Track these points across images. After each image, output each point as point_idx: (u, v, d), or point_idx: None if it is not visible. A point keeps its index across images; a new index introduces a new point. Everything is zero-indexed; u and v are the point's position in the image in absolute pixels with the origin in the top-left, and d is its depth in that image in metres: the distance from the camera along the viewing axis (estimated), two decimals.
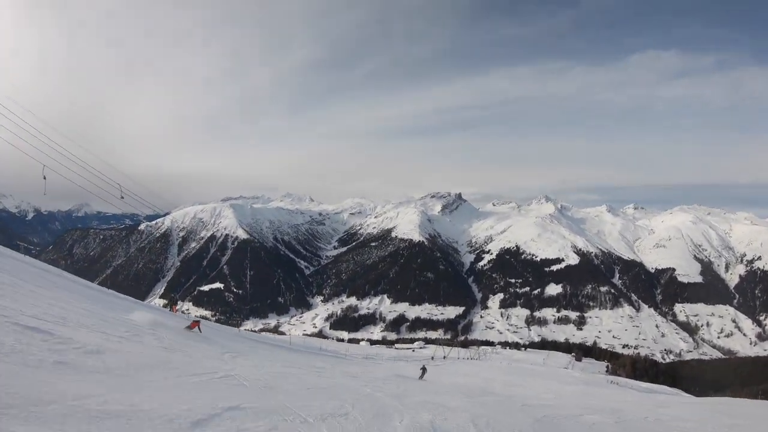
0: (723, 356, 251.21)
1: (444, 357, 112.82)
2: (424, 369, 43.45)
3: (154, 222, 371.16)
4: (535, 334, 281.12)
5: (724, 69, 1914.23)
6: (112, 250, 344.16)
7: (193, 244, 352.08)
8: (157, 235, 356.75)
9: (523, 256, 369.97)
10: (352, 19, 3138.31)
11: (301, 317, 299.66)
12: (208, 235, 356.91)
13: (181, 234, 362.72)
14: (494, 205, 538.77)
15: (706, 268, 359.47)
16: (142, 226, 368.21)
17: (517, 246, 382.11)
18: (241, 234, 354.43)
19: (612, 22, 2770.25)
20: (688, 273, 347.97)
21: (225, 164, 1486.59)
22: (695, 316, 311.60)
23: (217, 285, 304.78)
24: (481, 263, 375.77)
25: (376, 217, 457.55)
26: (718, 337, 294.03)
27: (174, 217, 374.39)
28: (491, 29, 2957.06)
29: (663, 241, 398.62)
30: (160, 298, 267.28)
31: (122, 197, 34.81)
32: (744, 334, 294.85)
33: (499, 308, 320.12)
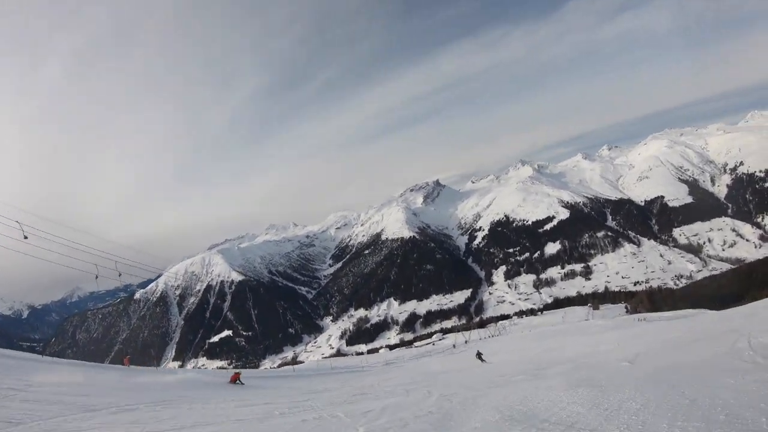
0: (732, 266, 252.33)
1: (466, 342, 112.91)
2: (479, 354, 43.43)
3: (148, 287, 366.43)
4: (546, 295, 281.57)
5: None
6: (115, 327, 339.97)
7: (192, 299, 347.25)
8: (154, 299, 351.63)
9: (514, 224, 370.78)
10: (293, 37, 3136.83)
11: (315, 342, 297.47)
12: (204, 286, 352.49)
13: (178, 292, 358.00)
14: (473, 182, 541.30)
15: (693, 187, 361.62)
16: (137, 295, 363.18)
17: (506, 215, 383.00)
18: (236, 276, 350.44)
19: None
20: (677, 197, 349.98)
21: (204, 213, 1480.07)
22: (695, 235, 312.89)
23: (226, 333, 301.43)
24: (476, 242, 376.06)
25: (362, 225, 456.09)
26: (723, 250, 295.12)
27: (166, 277, 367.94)
28: (428, 14, 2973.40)
29: (645, 173, 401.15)
30: (173, 361, 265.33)
31: (120, 274, 35.11)
32: (747, 240, 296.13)
33: (505, 280, 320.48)
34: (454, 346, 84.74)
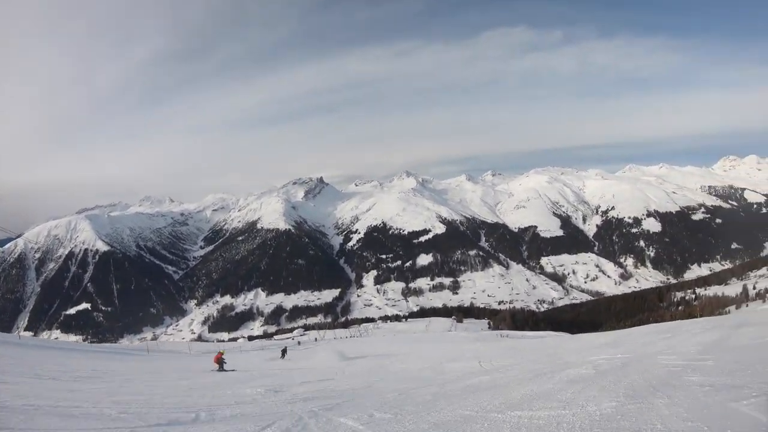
0: (592, 298, 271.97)
1: (316, 339, 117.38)
2: (283, 351, 47.39)
3: (5, 247, 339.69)
4: (413, 304, 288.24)
5: (571, 42, 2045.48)
6: None
7: (51, 265, 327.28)
8: (11, 260, 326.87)
9: (390, 232, 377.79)
10: (206, 6, 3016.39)
11: (177, 325, 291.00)
12: (66, 252, 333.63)
13: (37, 256, 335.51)
14: (357, 185, 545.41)
15: (565, 222, 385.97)
16: None
17: (383, 222, 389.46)
18: (101, 246, 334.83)
19: (462, 1, 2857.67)
20: (549, 228, 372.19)
21: (78, 172, 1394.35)
22: (561, 266, 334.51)
23: (84, 306, 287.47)
24: (351, 243, 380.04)
25: (239, 210, 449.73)
26: (585, 282, 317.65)
27: (27, 237, 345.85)
28: (345, 12, 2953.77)
29: (522, 202, 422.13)
30: (25, 330, 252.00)
31: None
32: (608, 276, 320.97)
33: (375, 285, 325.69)
34: (299, 343, 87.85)
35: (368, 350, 43.42)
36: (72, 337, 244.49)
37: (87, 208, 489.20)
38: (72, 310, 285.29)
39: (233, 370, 32.03)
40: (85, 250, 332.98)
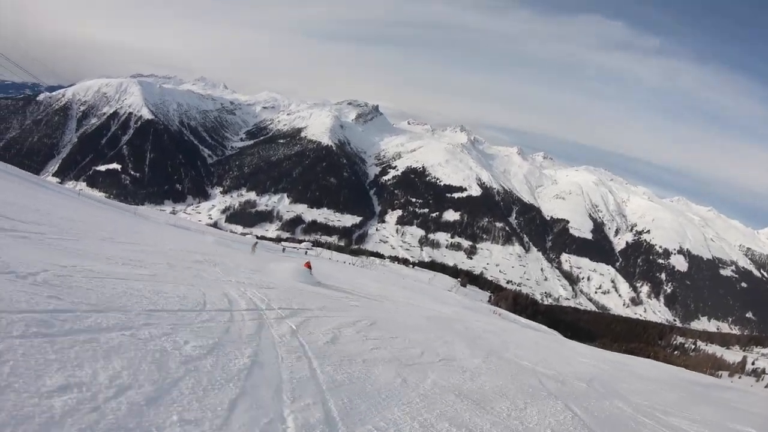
0: (597, 310, 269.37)
1: (316, 255, 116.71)
2: (255, 245, 45.74)
3: (55, 93, 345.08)
4: (426, 254, 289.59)
5: (665, 55, 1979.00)
6: (6, 122, 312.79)
7: (94, 120, 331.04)
8: (56, 107, 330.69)
9: (427, 178, 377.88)
10: None
11: (197, 207, 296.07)
12: (111, 111, 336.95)
13: (82, 108, 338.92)
14: (409, 123, 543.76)
15: (598, 227, 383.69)
16: (41, 97, 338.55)
17: (423, 167, 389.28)
18: (146, 113, 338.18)
19: None
20: (581, 228, 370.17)
21: (140, 37, 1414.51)
22: (579, 268, 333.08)
23: (115, 165, 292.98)
24: (386, 177, 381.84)
25: (288, 114, 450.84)
26: (596, 292, 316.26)
27: (77, 89, 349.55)
28: None
29: (563, 194, 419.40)
30: (53, 176, 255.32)
31: None
32: (620, 295, 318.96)
33: (396, 224, 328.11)
34: (283, 250, 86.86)
35: (346, 280, 40.75)
36: (96, 193, 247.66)
37: (141, 74, 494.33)
38: (102, 167, 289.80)
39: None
40: (130, 113, 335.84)
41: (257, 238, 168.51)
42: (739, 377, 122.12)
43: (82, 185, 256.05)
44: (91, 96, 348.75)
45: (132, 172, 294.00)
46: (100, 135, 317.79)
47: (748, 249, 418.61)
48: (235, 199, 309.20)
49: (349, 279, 40.45)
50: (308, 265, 30.77)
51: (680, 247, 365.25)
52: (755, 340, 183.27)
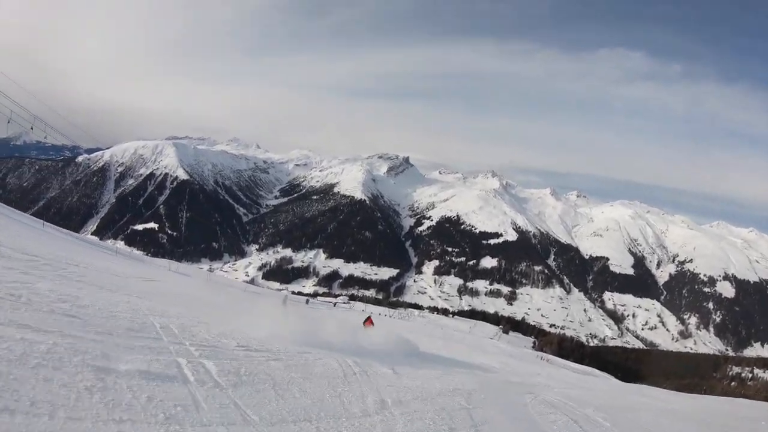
0: (645, 347, 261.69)
1: (349, 308, 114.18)
2: (286, 298, 43.94)
3: (93, 155, 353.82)
4: (465, 303, 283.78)
5: (688, 80, 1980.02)
6: (47, 182, 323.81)
7: (131, 181, 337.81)
8: (95, 168, 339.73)
9: (462, 227, 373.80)
10: None
11: (234, 264, 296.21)
12: (148, 172, 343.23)
13: (120, 169, 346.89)
14: (440, 173, 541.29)
15: (639, 262, 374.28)
16: (80, 158, 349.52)
17: (458, 215, 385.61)
18: (182, 174, 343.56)
19: (586, 14, 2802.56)
20: (621, 264, 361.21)
21: (174, 101, 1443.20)
22: (623, 305, 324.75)
23: (152, 225, 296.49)
24: (421, 228, 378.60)
25: (321, 170, 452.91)
26: (642, 329, 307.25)
27: (114, 151, 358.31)
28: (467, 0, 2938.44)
29: (601, 231, 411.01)
30: (92, 234, 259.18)
31: (32, 128, 34.04)
32: (667, 330, 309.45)
33: (433, 275, 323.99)
34: (307, 301, 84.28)
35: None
36: (134, 251, 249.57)
37: (176, 136, 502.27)
38: (140, 227, 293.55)
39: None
40: (166, 174, 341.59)
41: (293, 293, 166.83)
42: None
43: (120, 243, 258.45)
44: (128, 158, 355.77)
45: (169, 231, 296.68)
46: (138, 195, 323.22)
47: None
48: (271, 256, 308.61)
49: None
50: (370, 322, 29.23)
51: (725, 272, 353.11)
52: None
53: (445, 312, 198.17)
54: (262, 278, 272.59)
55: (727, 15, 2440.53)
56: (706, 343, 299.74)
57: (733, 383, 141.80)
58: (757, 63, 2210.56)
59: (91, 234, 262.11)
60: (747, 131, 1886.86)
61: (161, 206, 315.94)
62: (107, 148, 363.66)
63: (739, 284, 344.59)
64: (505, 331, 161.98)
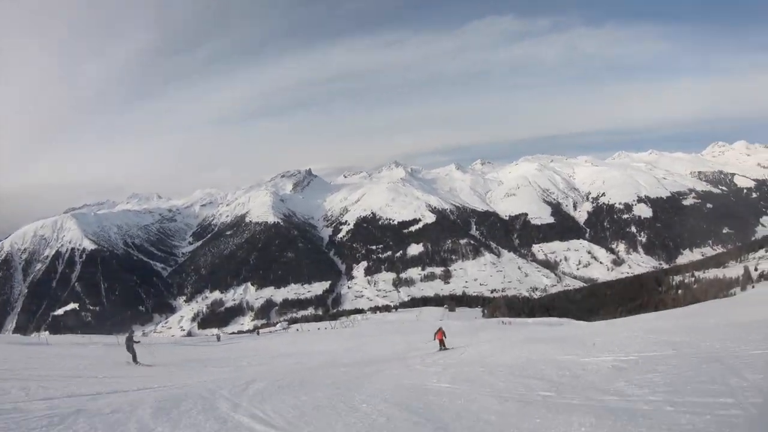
0: (584, 284, 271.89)
1: (283, 331, 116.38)
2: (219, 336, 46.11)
3: None
4: (404, 294, 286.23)
5: (558, 30, 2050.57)
6: None
7: (38, 266, 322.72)
8: None
9: (380, 222, 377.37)
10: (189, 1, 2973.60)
11: (166, 323, 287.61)
12: (53, 252, 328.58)
13: (24, 256, 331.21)
14: (345, 176, 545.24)
15: (556, 209, 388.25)
16: None
17: (373, 213, 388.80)
18: (88, 245, 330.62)
19: None
20: (540, 216, 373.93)
21: (65, 173, 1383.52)
22: (553, 253, 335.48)
23: (72, 306, 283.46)
24: (340, 235, 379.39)
25: (228, 205, 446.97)
26: (577, 269, 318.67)
27: (13, 239, 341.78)
28: (331, 2, 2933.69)
29: (512, 190, 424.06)
30: (13, 332, 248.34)
31: None
32: (600, 263, 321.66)
33: (365, 276, 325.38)
34: (218, 338, 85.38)
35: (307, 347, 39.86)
36: (61, 337, 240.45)
37: (74, 207, 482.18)
38: (60, 311, 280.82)
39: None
40: (72, 249, 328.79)
41: (231, 333, 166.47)
42: (753, 287, 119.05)
43: (44, 334, 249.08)
44: (29, 242, 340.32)
45: (91, 307, 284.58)
46: (49, 278, 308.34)
47: (700, 172, 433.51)
48: (201, 304, 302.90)
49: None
50: (441, 334, 32.14)
51: (638, 196, 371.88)
52: (746, 248, 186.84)
53: (387, 308, 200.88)
54: (198, 328, 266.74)
55: None
56: (640, 264, 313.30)
57: (679, 291, 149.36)
58: (616, 2, 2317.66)
59: (12, 332, 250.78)
60: (624, 62, 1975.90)
61: (76, 284, 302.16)
62: (5, 238, 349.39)
63: (653, 203, 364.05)
64: (452, 309, 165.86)
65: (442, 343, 32.43)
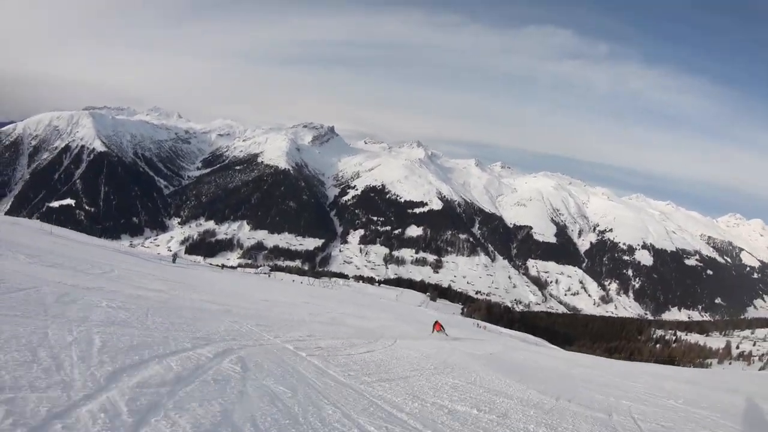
0: (568, 312, 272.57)
1: (267, 277, 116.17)
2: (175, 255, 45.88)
3: (4, 128, 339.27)
4: (392, 272, 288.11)
5: (613, 60, 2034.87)
6: None
7: (45, 155, 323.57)
8: (7, 143, 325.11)
9: (388, 196, 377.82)
10: None
11: (155, 239, 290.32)
12: (63, 145, 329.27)
13: (33, 143, 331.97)
14: (366, 143, 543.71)
15: (561, 230, 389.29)
16: None
17: (383, 185, 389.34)
18: (99, 146, 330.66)
19: None
20: (544, 232, 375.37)
21: (91, 70, 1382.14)
22: (546, 272, 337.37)
23: (68, 201, 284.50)
24: (346, 198, 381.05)
25: (244, 140, 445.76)
26: (565, 294, 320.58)
27: (27, 123, 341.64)
28: None
29: (524, 201, 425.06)
30: (6, 214, 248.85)
31: None
32: (589, 295, 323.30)
33: (359, 244, 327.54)
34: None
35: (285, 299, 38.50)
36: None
37: (94, 106, 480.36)
38: (56, 203, 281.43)
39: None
40: (82, 146, 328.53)
41: (219, 266, 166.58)
42: (729, 363, 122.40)
43: (35, 222, 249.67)
44: (42, 130, 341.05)
45: (86, 207, 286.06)
46: (53, 170, 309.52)
47: (710, 237, 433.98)
48: (194, 230, 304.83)
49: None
50: (439, 326, 31.68)
51: (643, 242, 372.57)
52: (732, 324, 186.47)
53: (371, 280, 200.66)
54: (186, 252, 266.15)
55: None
56: (626, 307, 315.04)
57: (658, 345, 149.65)
58: (677, 48, 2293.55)
59: (5, 214, 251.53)
60: (666, 111, 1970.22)
61: (78, 181, 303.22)
62: (20, 121, 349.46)
63: (657, 253, 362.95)
64: (433, 299, 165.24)
65: (441, 329, 32.04)
